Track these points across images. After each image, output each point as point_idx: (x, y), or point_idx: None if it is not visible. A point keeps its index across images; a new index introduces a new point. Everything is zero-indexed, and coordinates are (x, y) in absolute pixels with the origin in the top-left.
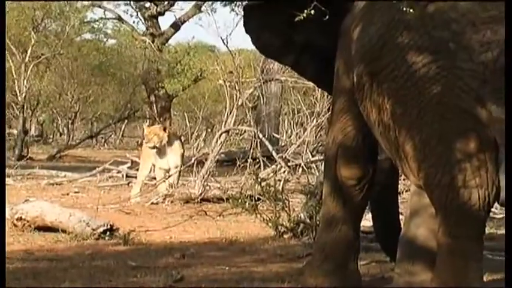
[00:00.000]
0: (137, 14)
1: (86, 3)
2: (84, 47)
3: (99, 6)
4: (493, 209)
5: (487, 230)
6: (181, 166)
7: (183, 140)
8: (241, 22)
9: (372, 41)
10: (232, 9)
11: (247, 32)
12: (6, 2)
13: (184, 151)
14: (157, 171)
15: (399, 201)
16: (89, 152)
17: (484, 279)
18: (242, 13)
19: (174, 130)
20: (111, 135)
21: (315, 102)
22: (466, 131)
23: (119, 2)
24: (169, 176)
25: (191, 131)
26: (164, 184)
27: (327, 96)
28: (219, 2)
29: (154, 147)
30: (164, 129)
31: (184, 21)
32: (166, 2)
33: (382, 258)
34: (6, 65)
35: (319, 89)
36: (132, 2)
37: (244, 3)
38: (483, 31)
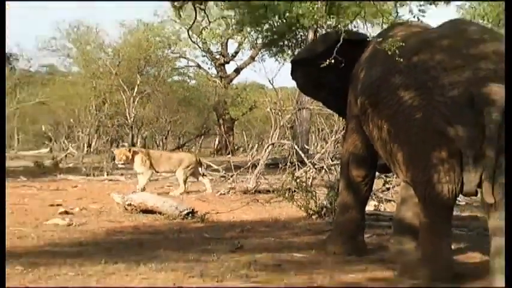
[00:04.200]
0: (211, 63)
1: (174, 55)
2: (174, 86)
3: (185, 58)
4: (458, 198)
5: (454, 213)
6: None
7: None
8: (282, 67)
9: (373, 79)
10: (276, 59)
11: (293, 78)
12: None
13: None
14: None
15: (392, 192)
16: None
17: (452, 247)
18: (289, 65)
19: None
20: (192, 147)
21: (333, 124)
22: (440, 145)
23: (198, 54)
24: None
25: (248, 143)
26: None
27: (342, 120)
28: (267, 55)
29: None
30: (129, 150)
31: (243, 68)
32: (231, 54)
33: (380, 232)
34: (119, 98)
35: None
36: (208, 54)
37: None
38: (452, 75)
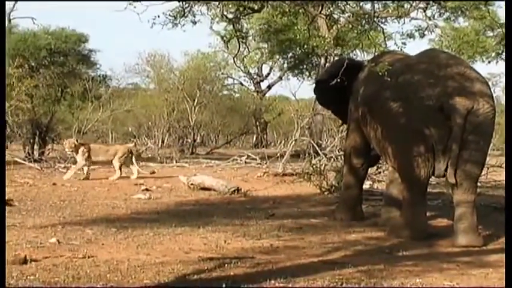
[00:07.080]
0: (250, 81)
1: (223, 76)
2: (223, 98)
3: (231, 77)
4: (431, 179)
5: (428, 190)
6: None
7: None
8: (302, 84)
9: (370, 94)
10: (297, 78)
11: (315, 93)
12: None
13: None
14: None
15: (383, 175)
16: (226, 150)
17: (427, 214)
18: (307, 82)
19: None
20: (237, 142)
21: (339, 125)
22: (418, 141)
23: (241, 75)
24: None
25: (277, 140)
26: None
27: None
28: (291, 75)
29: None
30: (76, 141)
31: (273, 85)
32: (264, 75)
33: (374, 204)
34: (184, 107)
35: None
36: (248, 75)
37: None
38: (427, 90)
